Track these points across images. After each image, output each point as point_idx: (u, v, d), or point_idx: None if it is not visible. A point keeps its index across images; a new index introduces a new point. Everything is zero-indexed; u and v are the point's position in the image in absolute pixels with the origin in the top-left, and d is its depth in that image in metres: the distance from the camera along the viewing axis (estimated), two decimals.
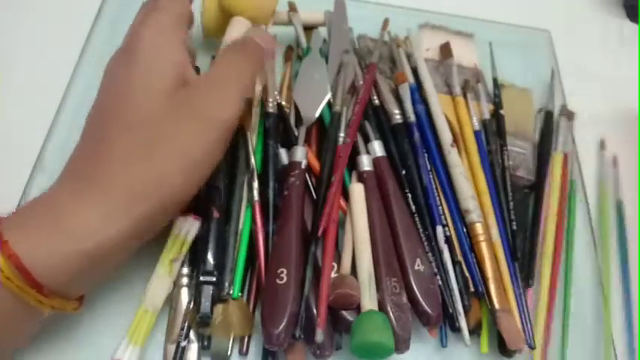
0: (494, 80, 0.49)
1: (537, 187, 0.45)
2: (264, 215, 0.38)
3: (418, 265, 0.37)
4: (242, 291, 0.36)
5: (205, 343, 0.35)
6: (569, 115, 0.49)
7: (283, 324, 0.32)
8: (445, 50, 0.50)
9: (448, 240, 0.39)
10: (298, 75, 0.45)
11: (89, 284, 0.33)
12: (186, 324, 0.34)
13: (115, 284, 0.36)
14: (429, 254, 0.38)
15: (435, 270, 0.38)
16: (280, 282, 0.34)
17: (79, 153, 0.33)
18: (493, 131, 0.46)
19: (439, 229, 0.39)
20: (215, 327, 0.34)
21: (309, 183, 0.40)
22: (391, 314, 0.34)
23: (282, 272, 0.34)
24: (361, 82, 0.44)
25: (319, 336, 0.32)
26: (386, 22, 0.50)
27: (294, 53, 0.49)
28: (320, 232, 0.36)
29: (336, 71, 0.45)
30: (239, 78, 0.35)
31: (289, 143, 0.41)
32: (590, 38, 0.59)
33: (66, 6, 0.50)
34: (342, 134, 0.41)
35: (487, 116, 0.46)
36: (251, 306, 0.36)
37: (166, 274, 0.34)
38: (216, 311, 0.34)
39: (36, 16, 0.49)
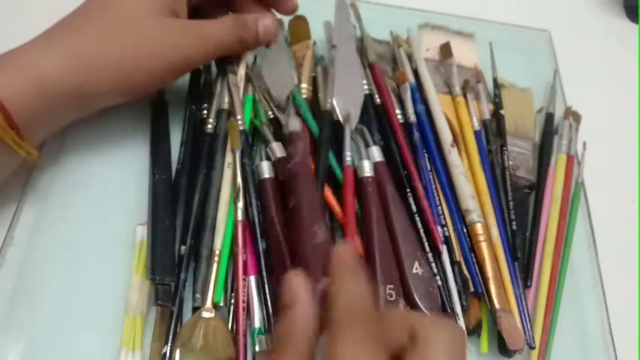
0: (495, 80, 0.49)
1: (538, 187, 0.45)
2: (250, 234, 0.37)
3: (416, 269, 0.37)
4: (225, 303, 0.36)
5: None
6: (576, 117, 0.49)
7: None
8: (445, 50, 0.50)
9: (447, 240, 0.39)
10: (264, 62, 0.45)
11: (47, 128, 0.37)
12: (171, 330, 0.34)
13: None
14: (430, 254, 0.38)
15: (435, 271, 0.38)
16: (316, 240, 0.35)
17: (54, 25, 0.37)
18: (493, 131, 0.46)
19: (437, 229, 0.39)
20: (197, 352, 0.33)
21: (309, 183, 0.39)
22: None
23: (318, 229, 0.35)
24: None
25: None
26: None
27: None
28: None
29: (343, 73, 0.44)
30: (217, 38, 0.40)
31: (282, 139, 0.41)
32: (590, 38, 0.59)
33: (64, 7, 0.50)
34: (348, 153, 0.40)
35: (487, 116, 0.46)
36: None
37: (143, 279, 0.36)
38: (197, 335, 0.34)
39: (35, 16, 0.49)
